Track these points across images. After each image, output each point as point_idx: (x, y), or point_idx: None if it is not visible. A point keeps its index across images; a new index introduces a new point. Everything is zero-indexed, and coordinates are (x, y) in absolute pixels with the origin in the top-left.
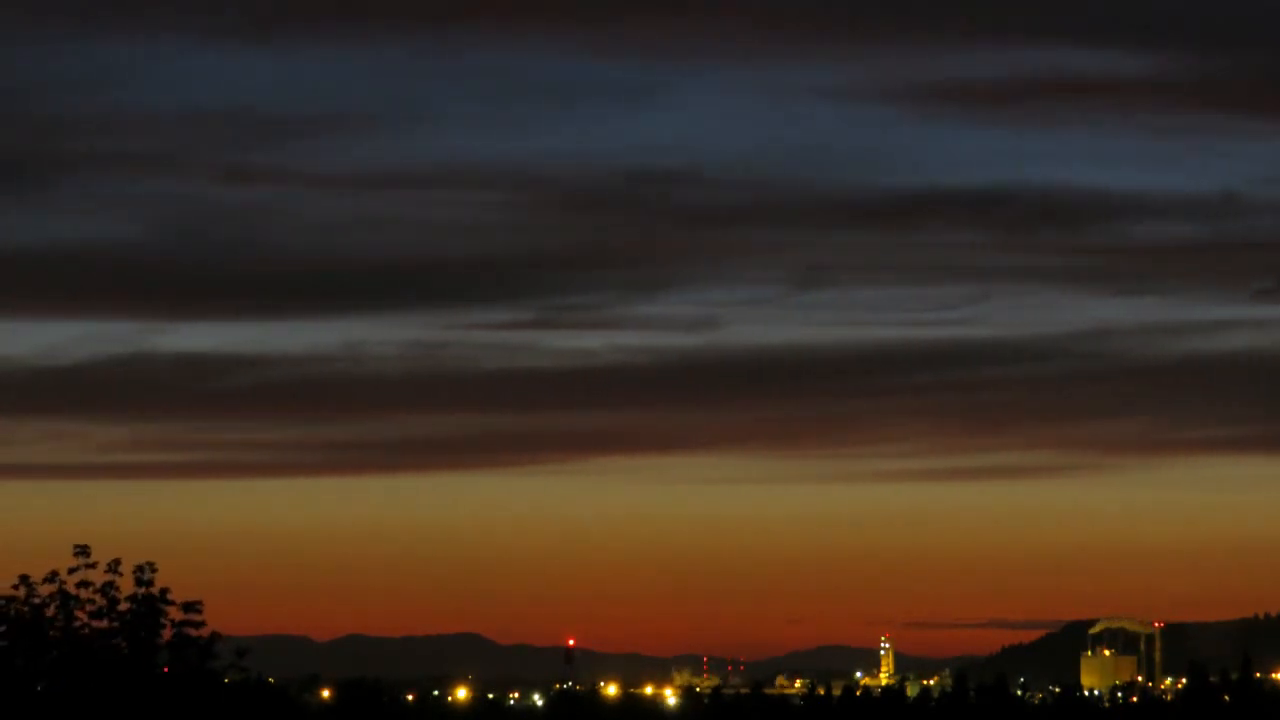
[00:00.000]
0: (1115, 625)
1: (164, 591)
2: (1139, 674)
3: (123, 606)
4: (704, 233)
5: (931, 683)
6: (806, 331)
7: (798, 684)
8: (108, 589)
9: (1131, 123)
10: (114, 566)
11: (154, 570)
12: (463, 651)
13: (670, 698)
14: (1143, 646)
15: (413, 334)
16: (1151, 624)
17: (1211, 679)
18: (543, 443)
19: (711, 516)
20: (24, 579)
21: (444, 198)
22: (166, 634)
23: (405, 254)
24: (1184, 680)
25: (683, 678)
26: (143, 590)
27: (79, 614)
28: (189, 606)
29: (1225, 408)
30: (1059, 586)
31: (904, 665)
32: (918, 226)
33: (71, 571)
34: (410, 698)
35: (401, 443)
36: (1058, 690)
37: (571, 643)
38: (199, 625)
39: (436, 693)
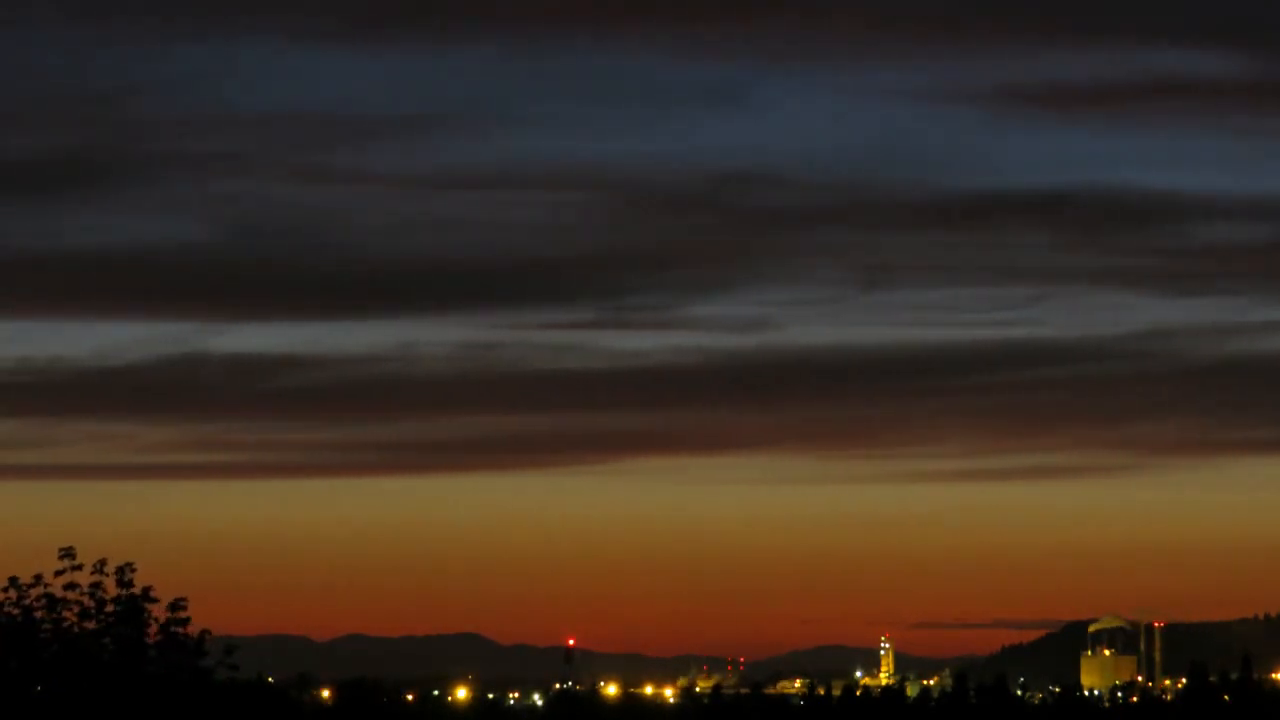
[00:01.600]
0: (1115, 625)
1: (147, 590)
2: (1139, 674)
3: (109, 608)
4: (770, 234)
5: (931, 683)
6: (861, 332)
7: (798, 684)
8: (95, 590)
9: (1209, 124)
10: (99, 567)
11: (134, 570)
12: (463, 651)
13: (670, 698)
14: (1142, 645)
15: (466, 334)
16: (1151, 622)
17: (1211, 679)
18: (570, 443)
19: (718, 517)
20: (13, 581)
21: (515, 199)
22: (153, 633)
23: (469, 255)
24: (1184, 680)
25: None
26: (125, 591)
27: (67, 615)
28: (175, 605)
29: (1263, 409)
30: (1077, 586)
31: (904, 665)
32: (985, 228)
33: (58, 574)
34: (410, 698)
35: (432, 444)
36: (1058, 690)
37: (571, 643)
38: (184, 623)
39: (436, 693)
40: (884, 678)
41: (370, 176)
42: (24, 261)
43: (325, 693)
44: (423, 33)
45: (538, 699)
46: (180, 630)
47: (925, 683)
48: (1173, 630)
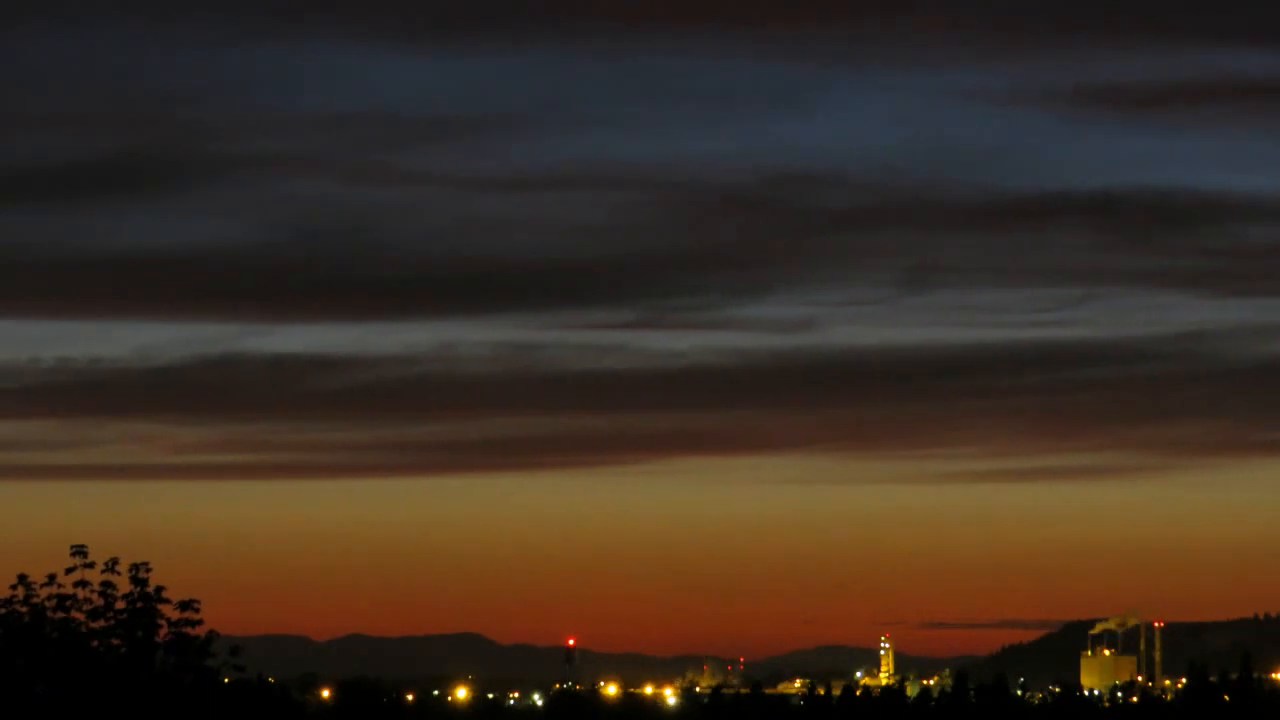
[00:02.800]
0: (1106, 628)
1: (159, 590)
2: (1139, 674)
3: (119, 605)
4: (821, 235)
5: (931, 683)
6: (901, 333)
7: (798, 684)
8: (106, 589)
9: (1263, 125)
10: (111, 566)
11: (149, 570)
12: (463, 651)
13: (670, 698)
14: (1142, 645)
15: (508, 335)
16: (1152, 622)
17: (1211, 679)
18: (577, 445)
19: (719, 518)
20: (21, 579)
21: (569, 200)
22: (162, 633)
23: (519, 255)
24: (1184, 680)
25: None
26: (138, 589)
27: (76, 614)
28: (185, 605)
29: None
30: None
31: (904, 665)
32: (1036, 229)
33: (69, 571)
34: (410, 698)
35: (432, 444)
36: (1058, 690)
37: (571, 643)
38: (196, 624)
39: (436, 693)
40: (884, 678)
41: (428, 178)
42: (74, 262)
43: (325, 693)
44: (486, 34)
45: (538, 699)
46: (189, 630)
47: (925, 683)
48: (1178, 629)
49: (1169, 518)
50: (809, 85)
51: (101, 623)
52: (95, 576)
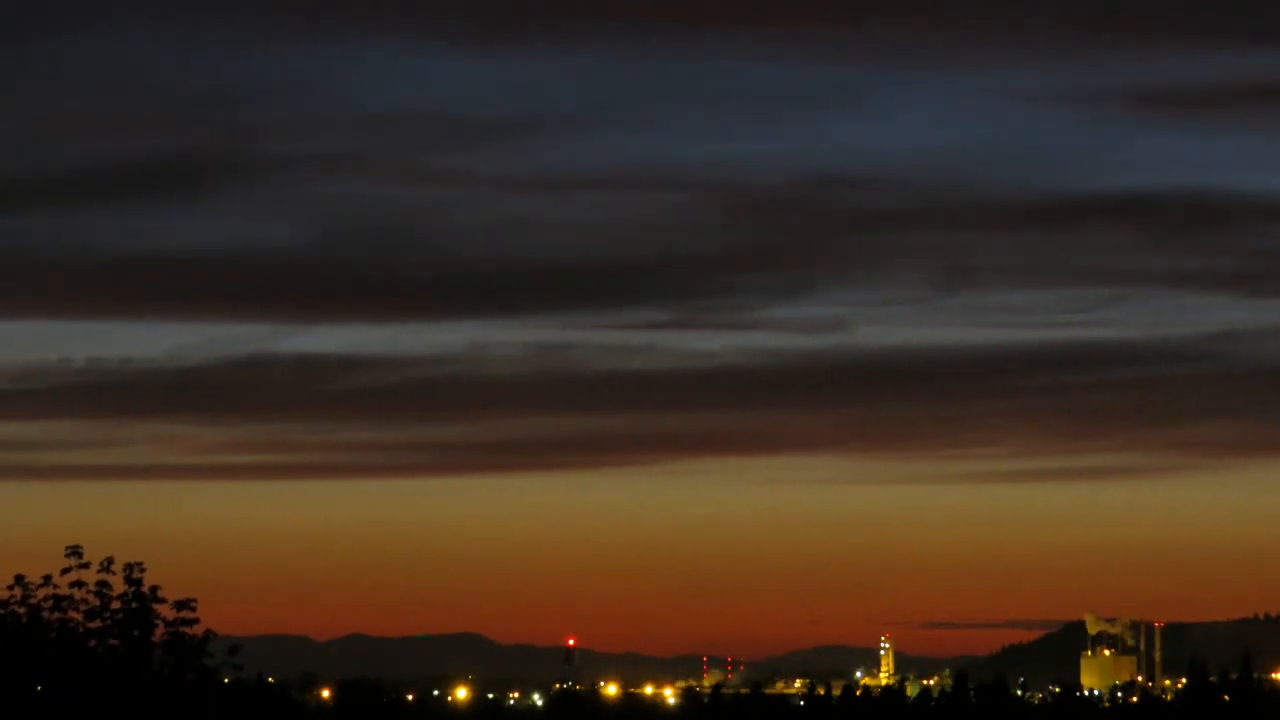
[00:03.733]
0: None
1: (154, 589)
2: (1139, 674)
3: (115, 605)
4: (859, 236)
5: (931, 683)
6: (932, 333)
7: (798, 684)
8: (101, 589)
9: None
10: (106, 565)
11: (143, 570)
12: (463, 651)
13: (670, 698)
14: (1142, 645)
15: (537, 335)
16: (1152, 623)
17: (1211, 679)
18: (583, 447)
19: (721, 518)
20: (19, 579)
21: (608, 200)
22: (159, 633)
23: (554, 255)
24: (1184, 680)
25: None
26: (133, 589)
27: (73, 614)
28: (182, 604)
29: None
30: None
31: (904, 665)
32: (1072, 230)
33: (64, 572)
34: (410, 698)
35: (433, 446)
36: (1058, 690)
37: (571, 643)
38: (192, 623)
39: (436, 693)
40: (884, 678)
41: (470, 178)
42: (115, 263)
43: (325, 692)
44: (532, 35)
45: (538, 699)
46: (185, 630)
47: (925, 683)
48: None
49: (1193, 517)
50: (855, 86)
51: (98, 623)
52: (90, 577)
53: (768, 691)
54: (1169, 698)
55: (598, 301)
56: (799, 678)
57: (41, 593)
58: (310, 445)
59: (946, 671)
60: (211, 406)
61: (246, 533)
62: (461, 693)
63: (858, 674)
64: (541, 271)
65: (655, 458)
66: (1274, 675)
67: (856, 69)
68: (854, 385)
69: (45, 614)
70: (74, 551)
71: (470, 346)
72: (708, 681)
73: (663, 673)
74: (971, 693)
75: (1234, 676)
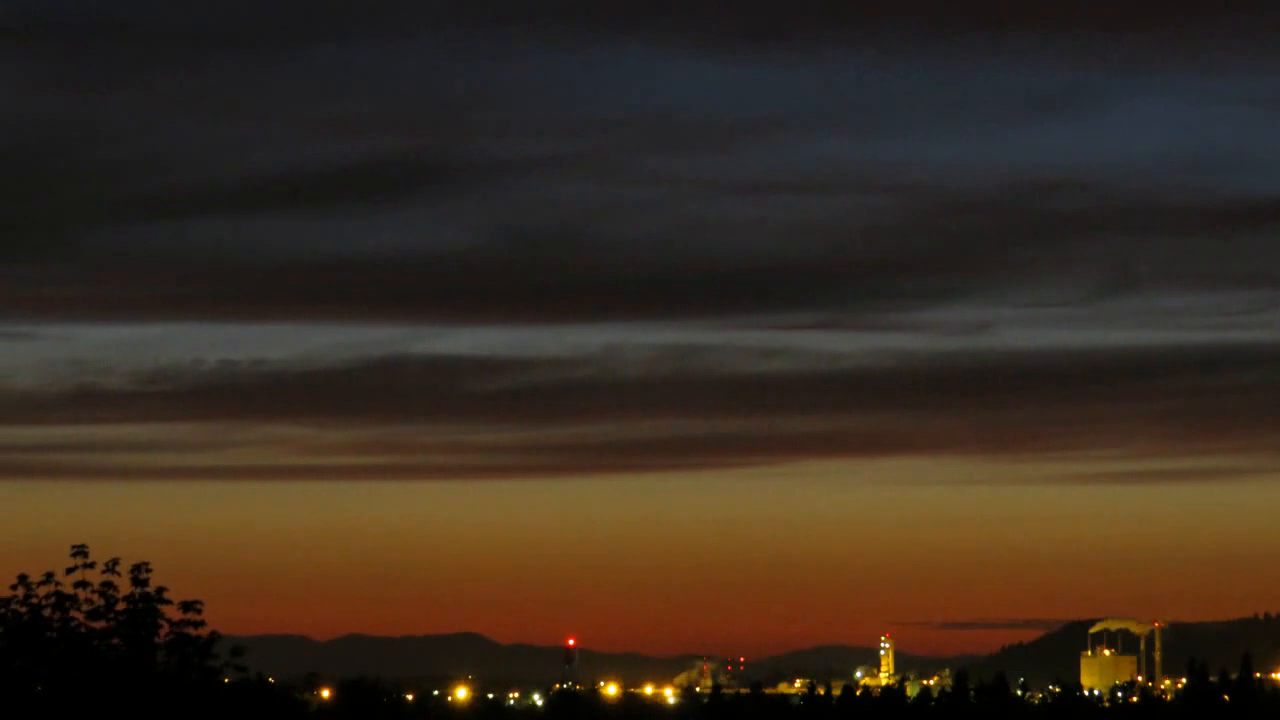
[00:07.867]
0: (1117, 627)
1: (160, 590)
2: (1139, 674)
3: (120, 605)
4: (1034, 240)
5: (931, 683)
6: (1074, 336)
7: (798, 684)
8: (106, 589)
9: None
10: (111, 566)
11: (149, 570)
12: (463, 651)
13: (670, 698)
14: (1142, 645)
15: (673, 337)
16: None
17: (1211, 679)
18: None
19: (721, 519)
20: (22, 579)
21: (794, 202)
22: (163, 633)
23: (717, 256)
24: (1184, 680)
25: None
26: (139, 590)
27: (75, 614)
28: (188, 605)
29: None
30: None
31: (904, 665)
32: (1243, 234)
33: (69, 571)
34: (410, 698)
35: (434, 446)
36: (1058, 690)
37: (571, 643)
38: (199, 625)
39: (436, 693)
40: (884, 678)
41: (669, 180)
42: (312, 265)
43: (325, 693)
44: (758, 41)
45: (538, 699)
46: (190, 631)
47: (925, 683)
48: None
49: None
50: (1066, 91)
51: (102, 623)
52: (95, 577)
53: (768, 691)
54: (1169, 698)
55: (743, 304)
56: (799, 677)
57: (43, 590)
58: (295, 446)
59: (946, 671)
60: (331, 409)
61: (242, 532)
62: (461, 693)
63: (858, 674)
64: (718, 273)
65: (661, 461)
66: (1274, 675)
67: (1062, 76)
68: (972, 388)
69: (47, 613)
70: (79, 551)
71: (604, 349)
72: (707, 682)
73: (663, 673)
74: (971, 693)
75: (1234, 676)
